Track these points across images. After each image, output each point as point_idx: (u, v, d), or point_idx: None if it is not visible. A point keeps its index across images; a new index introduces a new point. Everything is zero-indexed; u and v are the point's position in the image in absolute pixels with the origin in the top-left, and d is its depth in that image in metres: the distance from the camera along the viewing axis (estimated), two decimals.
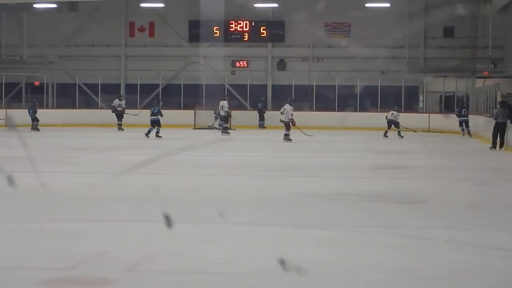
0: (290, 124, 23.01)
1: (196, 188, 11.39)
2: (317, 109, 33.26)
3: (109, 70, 35.69)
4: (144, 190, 10.63)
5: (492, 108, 24.82)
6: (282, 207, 9.58)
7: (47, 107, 34.26)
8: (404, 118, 27.24)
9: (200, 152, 17.29)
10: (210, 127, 30.20)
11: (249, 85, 34.47)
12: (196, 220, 8.40)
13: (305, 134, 23.96)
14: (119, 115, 29.34)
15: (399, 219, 8.84)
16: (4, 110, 29.23)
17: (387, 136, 25.80)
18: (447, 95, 33.66)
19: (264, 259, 6.38)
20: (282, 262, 5.66)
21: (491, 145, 20.30)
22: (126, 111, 29.60)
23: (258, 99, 33.93)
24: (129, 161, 16.01)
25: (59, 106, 35.01)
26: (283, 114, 23.29)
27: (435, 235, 7.77)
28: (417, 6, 33.50)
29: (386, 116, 26.57)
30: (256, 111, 33.22)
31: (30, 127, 27.76)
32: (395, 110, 26.69)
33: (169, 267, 6.19)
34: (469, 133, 27.37)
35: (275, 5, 34.38)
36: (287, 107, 23.37)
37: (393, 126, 26.07)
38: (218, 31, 34.78)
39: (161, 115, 24.08)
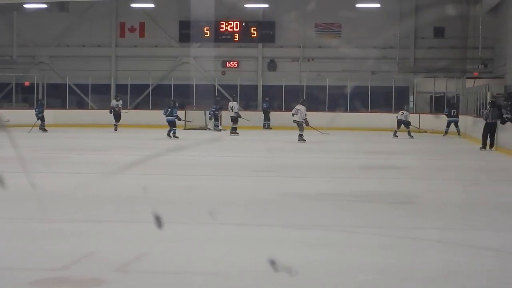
0: (304, 124, 22.98)
1: (186, 188, 11.38)
2: (308, 110, 33.07)
3: (99, 70, 35.63)
4: (135, 191, 10.62)
5: (483, 108, 24.92)
6: (272, 208, 9.57)
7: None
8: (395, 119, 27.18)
9: (192, 153, 17.27)
10: (204, 128, 30.10)
11: (240, 85, 34.45)
12: (186, 221, 8.41)
13: (322, 133, 24.18)
14: (117, 116, 29.25)
15: (389, 219, 8.84)
16: None
17: (397, 136, 25.77)
18: (438, 95, 33.73)
19: (254, 259, 6.38)
20: (272, 263, 5.67)
21: (481, 146, 20.36)
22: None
23: (248, 99, 33.87)
24: (120, 162, 15.98)
25: (49, 106, 34.84)
26: (296, 114, 23.13)
27: (425, 235, 7.79)
28: (407, 6, 33.55)
29: (397, 116, 26.53)
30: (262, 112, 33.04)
31: (38, 127, 27.68)
32: (405, 110, 26.66)
33: (159, 267, 6.19)
34: (458, 133, 27.44)
35: (266, 5, 34.34)
36: (301, 107, 23.28)
37: (402, 126, 25.99)
38: (208, 32, 34.74)
39: (179, 119, 24.08)
